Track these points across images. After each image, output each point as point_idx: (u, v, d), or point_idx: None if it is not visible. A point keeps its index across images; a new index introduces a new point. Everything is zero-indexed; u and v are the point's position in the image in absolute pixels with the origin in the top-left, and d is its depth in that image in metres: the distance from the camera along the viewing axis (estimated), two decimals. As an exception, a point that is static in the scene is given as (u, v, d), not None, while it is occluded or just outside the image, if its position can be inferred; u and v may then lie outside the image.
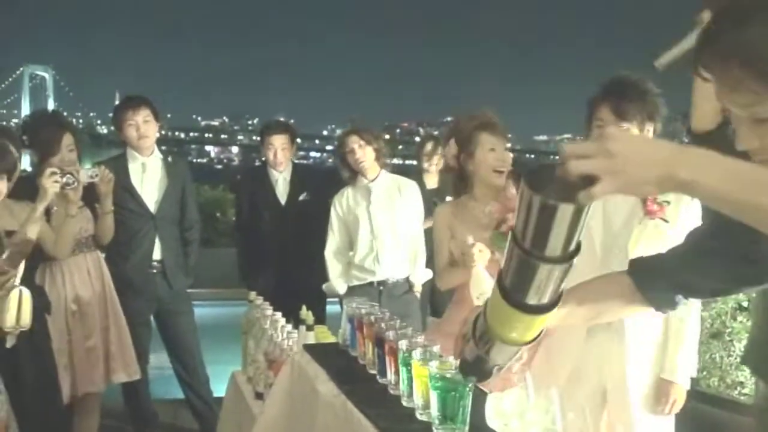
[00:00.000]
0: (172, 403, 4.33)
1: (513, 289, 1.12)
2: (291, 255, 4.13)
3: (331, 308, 4.13)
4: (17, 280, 2.70)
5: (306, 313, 2.75)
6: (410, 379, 1.64)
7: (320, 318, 3.41)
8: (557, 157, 0.99)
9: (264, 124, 4.52)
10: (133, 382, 3.67)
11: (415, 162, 5.27)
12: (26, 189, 2.97)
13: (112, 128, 4.02)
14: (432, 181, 4.86)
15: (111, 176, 3.44)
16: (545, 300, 1.12)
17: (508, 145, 2.91)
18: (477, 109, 2.85)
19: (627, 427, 2.38)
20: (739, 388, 3.91)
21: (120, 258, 3.74)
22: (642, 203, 2.35)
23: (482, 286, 2.31)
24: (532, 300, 1.12)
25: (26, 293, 2.68)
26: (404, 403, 1.70)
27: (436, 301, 4.62)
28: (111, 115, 4.01)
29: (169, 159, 4.05)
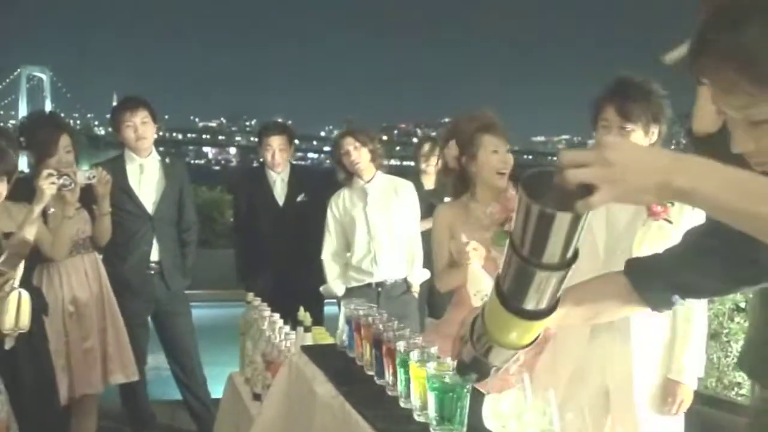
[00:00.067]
0: (170, 404, 4.33)
1: (511, 295, 1.12)
2: (289, 256, 4.12)
3: (329, 309, 4.13)
4: (16, 282, 2.70)
5: (304, 315, 2.75)
6: (408, 381, 1.64)
7: (318, 319, 3.41)
8: (555, 158, 0.99)
9: (262, 125, 4.53)
10: (131, 383, 3.67)
11: (412, 163, 5.27)
12: (23, 190, 2.97)
13: (110, 129, 4.02)
14: (429, 182, 4.86)
15: (108, 177, 3.44)
16: (543, 305, 1.12)
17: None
18: (477, 110, 2.85)
19: (632, 429, 2.38)
20: (736, 389, 3.91)
21: (118, 259, 3.73)
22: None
23: (479, 283, 2.31)
24: (529, 305, 1.12)
25: (25, 295, 2.67)
26: (402, 404, 1.70)
27: (434, 301, 4.62)
28: (108, 116, 4.01)
29: (167, 160, 4.05)
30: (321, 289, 3.90)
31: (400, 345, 1.69)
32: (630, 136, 2.36)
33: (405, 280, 3.85)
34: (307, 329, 2.67)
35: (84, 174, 3.33)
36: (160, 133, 4.39)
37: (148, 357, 4.02)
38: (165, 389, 4.40)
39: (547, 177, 0.99)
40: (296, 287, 3.98)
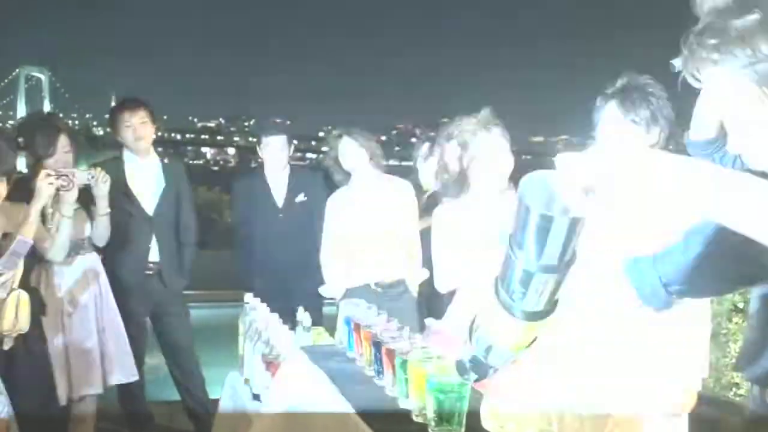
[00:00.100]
0: (168, 405, 4.32)
1: (509, 296, 1.13)
2: (288, 256, 4.12)
3: (328, 309, 4.13)
4: (15, 283, 2.70)
5: (303, 315, 2.75)
6: (407, 381, 1.64)
7: (317, 319, 3.40)
8: (554, 159, 0.99)
9: (261, 125, 4.52)
10: (129, 383, 3.66)
11: (411, 163, 5.27)
12: (22, 191, 2.96)
13: (109, 130, 4.02)
14: (428, 182, 4.85)
15: (107, 178, 3.44)
16: (541, 307, 1.13)
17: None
18: (477, 111, 2.84)
19: (634, 429, 2.37)
20: (734, 389, 3.92)
21: (116, 260, 3.73)
22: None
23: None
24: (528, 307, 1.12)
25: (24, 296, 2.67)
26: (401, 405, 1.71)
27: (433, 301, 4.62)
28: (107, 116, 4.01)
29: (166, 160, 4.04)
30: (320, 289, 3.90)
31: (400, 345, 1.69)
32: (631, 135, 2.37)
33: (404, 280, 3.84)
34: (306, 329, 2.67)
35: (82, 174, 3.33)
36: (159, 134, 4.38)
37: (147, 357, 4.02)
38: (163, 390, 4.40)
39: (545, 179, 0.99)
40: (295, 287, 3.98)
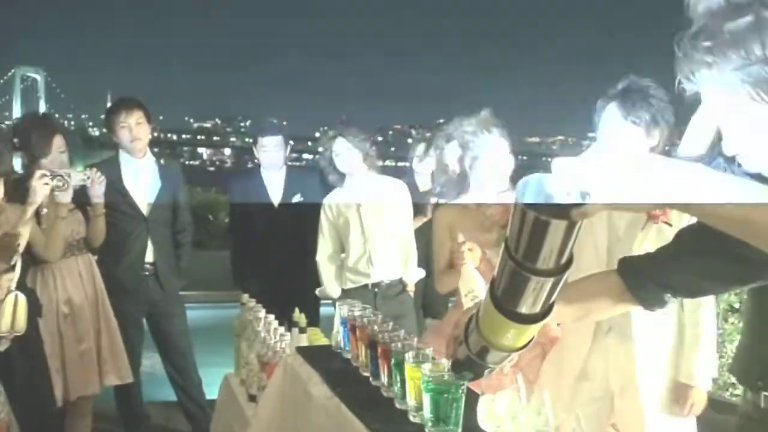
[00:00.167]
0: (165, 405, 4.32)
1: (505, 299, 1.13)
2: (284, 257, 4.12)
3: (325, 310, 4.13)
4: (13, 285, 2.69)
5: (299, 316, 2.75)
6: (403, 381, 1.64)
7: (313, 320, 3.40)
8: (550, 160, 0.99)
9: (257, 125, 4.52)
10: (126, 384, 3.66)
11: (407, 164, 5.28)
12: (18, 191, 2.96)
13: (105, 130, 4.01)
14: (424, 182, 4.86)
15: (103, 178, 3.44)
16: (537, 310, 1.13)
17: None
18: (472, 111, 2.85)
19: (638, 430, 2.38)
20: (730, 390, 3.93)
21: (112, 260, 3.73)
22: None
23: (471, 284, 2.32)
24: (523, 309, 1.12)
25: (21, 298, 2.66)
26: (397, 405, 1.71)
27: (428, 301, 4.63)
28: (103, 117, 4.00)
29: (162, 161, 4.04)
30: (317, 291, 3.90)
31: (395, 346, 1.69)
32: (631, 137, 2.38)
33: (400, 280, 3.85)
34: (302, 330, 2.67)
35: (78, 175, 3.33)
36: (155, 134, 4.37)
37: (143, 358, 4.01)
38: (160, 390, 4.39)
39: (542, 182, 0.99)
40: (292, 288, 3.98)
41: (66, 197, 3.20)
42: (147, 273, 3.82)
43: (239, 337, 3.04)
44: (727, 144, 1.10)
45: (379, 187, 3.83)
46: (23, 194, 2.96)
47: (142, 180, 3.84)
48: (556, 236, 0.98)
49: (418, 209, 4.44)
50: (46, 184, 3.00)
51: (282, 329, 2.80)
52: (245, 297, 3.17)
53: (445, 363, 1.46)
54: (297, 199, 4.20)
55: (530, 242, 1.00)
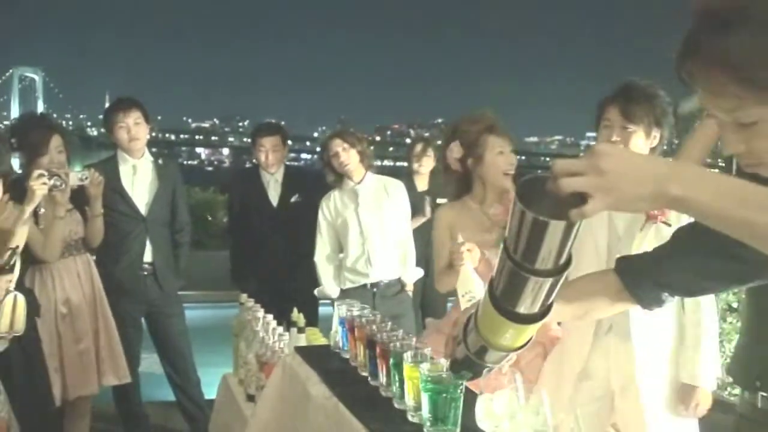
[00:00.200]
0: (163, 405, 4.32)
1: (503, 299, 1.13)
2: (283, 257, 4.12)
3: (324, 310, 4.13)
4: (12, 285, 2.69)
5: (297, 315, 2.75)
6: (402, 381, 1.64)
7: (312, 320, 3.40)
8: (548, 160, 0.99)
9: (255, 125, 4.52)
10: (124, 384, 3.65)
11: (405, 163, 5.29)
12: (16, 191, 2.96)
13: (103, 130, 4.00)
14: (422, 182, 4.87)
15: (101, 179, 3.43)
16: (535, 310, 1.13)
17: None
18: (478, 111, 2.84)
19: (639, 430, 2.38)
20: (729, 389, 3.93)
21: (111, 260, 3.72)
22: None
23: (468, 285, 2.32)
24: (522, 309, 1.12)
25: (21, 298, 2.66)
26: (396, 405, 1.71)
27: (426, 300, 4.63)
28: (101, 117, 4.00)
29: (160, 161, 4.03)
30: (315, 291, 3.90)
31: (394, 345, 1.69)
32: (631, 138, 2.39)
33: (399, 280, 3.85)
34: (300, 330, 2.67)
35: (76, 175, 3.32)
36: (153, 134, 4.37)
37: (142, 358, 4.01)
38: (158, 390, 4.39)
39: (541, 183, 0.99)
40: (290, 288, 3.98)
41: (63, 197, 3.20)
42: (145, 273, 3.81)
43: (238, 337, 3.04)
44: (726, 144, 1.10)
45: (377, 187, 3.83)
46: (21, 194, 2.96)
47: (141, 180, 3.83)
48: (554, 237, 0.98)
49: (418, 209, 4.45)
50: (44, 183, 3.00)
51: (280, 329, 2.81)
52: (244, 297, 3.17)
53: (444, 363, 1.46)
54: (295, 199, 4.21)
55: (529, 243, 1.00)
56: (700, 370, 2.37)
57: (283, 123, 4.90)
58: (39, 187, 2.96)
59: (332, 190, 3.86)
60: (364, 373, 1.95)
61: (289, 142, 4.46)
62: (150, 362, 4.27)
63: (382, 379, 1.81)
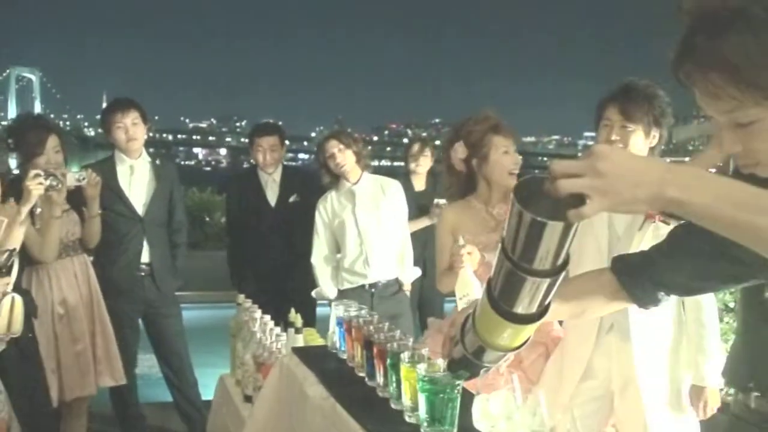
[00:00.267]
0: (161, 406, 4.31)
1: (501, 299, 1.13)
2: (280, 257, 4.12)
3: (321, 311, 4.13)
4: (10, 287, 2.68)
5: (295, 316, 2.75)
6: (399, 382, 1.64)
7: (309, 321, 3.40)
8: (546, 160, 1.00)
9: (253, 126, 4.51)
10: (121, 385, 3.65)
11: (403, 163, 5.28)
12: (13, 191, 2.95)
13: (100, 131, 4.00)
14: (419, 182, 4.87)
15: (98, 179, 3.43)
16: (533, 310, 1.13)
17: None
18: (480, 111, 2.84)
19: (639, 430, 2.38)
20: (725, 389, 3.93)
21: (108, 261, 3.72)
22: None
23: (467, 288, 2.32)
24: (519, 310, 1.13)
25: (18, 300, 2.66)
26: (393, 406, 1.71)
27: (423, 300, 4.63)
28: (99, 117, 3.99)
29: (157, 161, 4.03)
30: (313, 293, 3.89)
31: (391, 346, 1.70)
32: (631, 137, 2.39)
33: (397, 280, 3.85)
34: (298, 331, 2.67)
35: (74, 175, 3.32)
36: (150, 134, 4.36)
37: (139, 359, 4.01)
38: (155, 391, 4.39)
39: (539, 184, 0.99)
40: (288, 288, 3.98)
41: (59, 197, 3.19)
42: (143, 273, 3.81)
43: (235, 338, 3.04)
44: (724, 144, 1.11)
45: (374, 187, 3.83)
46: (18, 194, 2.95)
47: (138, 180, 3.83)
48: (552, 238, 0.98)
49: (423, 211, 4.45)
50: (40, 183, 2.99)
51: (278, 330, 2.80)
52: (241, 297, 3.17)
53: (441, 363, 1.46)
54: (293, 199, 4.20)
55: (527, 243, 1.00)
56: (706, 370, 2.38)
57: (280, 123, 4.90)
58: (35, 187, 2.96)
59: (329, 190, 3.86)
60: (362, 374, 1.95)
61: (287, 142, 4.46)
62: (147, 363, 4.26)
63: (380, 379, 1.81)
